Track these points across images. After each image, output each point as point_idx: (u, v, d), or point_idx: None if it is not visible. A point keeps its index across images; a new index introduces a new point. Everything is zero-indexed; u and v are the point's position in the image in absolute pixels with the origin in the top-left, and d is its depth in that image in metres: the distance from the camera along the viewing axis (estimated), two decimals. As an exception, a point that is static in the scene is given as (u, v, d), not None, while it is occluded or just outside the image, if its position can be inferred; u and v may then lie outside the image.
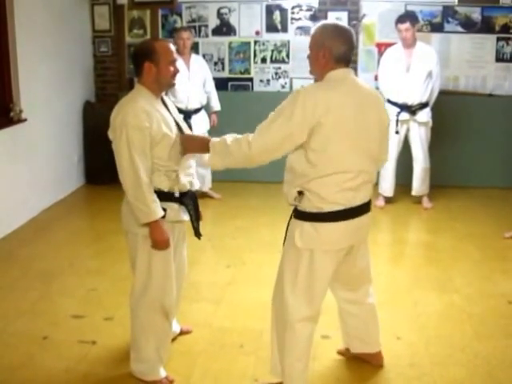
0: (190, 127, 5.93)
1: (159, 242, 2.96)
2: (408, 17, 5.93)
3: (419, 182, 6.16)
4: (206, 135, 2.94)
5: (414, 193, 6.20)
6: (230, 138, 2.80)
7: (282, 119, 2.66)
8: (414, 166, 6.14)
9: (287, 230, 2.91)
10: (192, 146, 3.00)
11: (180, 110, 5.90)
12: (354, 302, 3.18)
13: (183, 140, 3.01)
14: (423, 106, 5.92)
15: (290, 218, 2.89)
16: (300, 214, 2.80)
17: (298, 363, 2.91)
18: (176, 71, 3.01)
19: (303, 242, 2.78)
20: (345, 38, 2.76)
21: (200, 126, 6.09)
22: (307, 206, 2.75)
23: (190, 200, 3.11)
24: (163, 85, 3.02)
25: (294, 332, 2.86)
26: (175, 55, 3.01)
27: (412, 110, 5.90)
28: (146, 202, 2.87)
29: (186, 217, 3.12)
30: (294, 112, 2.63)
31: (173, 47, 3.01)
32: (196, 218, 3.16)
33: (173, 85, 3.08)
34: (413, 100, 5.87)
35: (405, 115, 5.90)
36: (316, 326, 2.97)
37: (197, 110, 6.12)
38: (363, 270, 3.11)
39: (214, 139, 2.86)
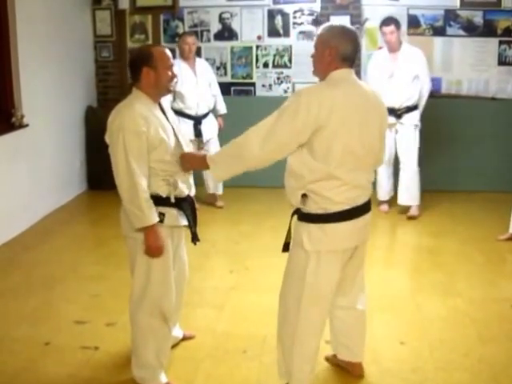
0: (200, 133, 5.94)
1: (153, 249, 2.95)
2: (392, 20, 5.83)
3: (403, 189, 5.93)
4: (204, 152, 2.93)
5: (399, 201, 5.99)
6: (227, 146, 2.81)
7: (287, 118, 2.64)
8: (400, 171, 5.96)
9: (288, 233, 2.89)
10: (191, 164, 3.01)
11: (190, 116, 5.92)
12: (343, 308, 3.13)
13: (182, 159, 3.01)
14: (410, 109, 5.83)
15: (290, 220, 2.87)
16: (305, 216, 2.78)
17: (307, 365, 2.93)
18: (173, 76, 3.03)
19: (312, 244, 2.76)
20: (351, 38, 2.76)
21: (210, 130, 6.09)
22: (313, 207, 2.74)
23: (187, 205, 3.11)
24: (161, 90, 3.03)
25: (302, 342, 2.87)
26: (172, 60, 3.03)
27: (398, 113, 5.81)
28: (141, 206, 2.87)
29: (184, 222, 3.12)
30: (299, 111, 2.62)
31: (169, 53, 3.03)
32: (194, 223, 3.16)
33: (170, 90, 3.10)
34: (399, 103, 5.77)
35: (391, 119, 5.80)
36: (324, 327, 2.97)
37: (205, 115, 6.10)
38: (356, 275, 3.08)
39: (210, 154, 2.90)
